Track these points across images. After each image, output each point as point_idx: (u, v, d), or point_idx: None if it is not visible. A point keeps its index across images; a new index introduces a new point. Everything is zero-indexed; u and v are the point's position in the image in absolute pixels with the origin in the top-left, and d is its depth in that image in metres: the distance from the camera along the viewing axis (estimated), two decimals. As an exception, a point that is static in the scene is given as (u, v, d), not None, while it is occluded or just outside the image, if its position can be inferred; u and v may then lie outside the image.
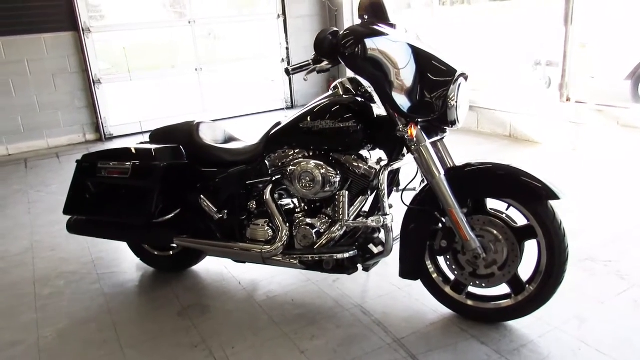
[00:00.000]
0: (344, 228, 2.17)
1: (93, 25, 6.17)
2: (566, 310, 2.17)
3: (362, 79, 2.11)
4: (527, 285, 2.01)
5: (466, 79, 1.98)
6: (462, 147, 4.77)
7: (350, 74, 2.13)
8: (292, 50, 7.42)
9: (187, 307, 2.47)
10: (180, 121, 2.66)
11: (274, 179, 2.35)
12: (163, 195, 2.44)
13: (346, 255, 2.15)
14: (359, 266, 2.24)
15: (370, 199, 2.23)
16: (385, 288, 2.47)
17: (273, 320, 2.30)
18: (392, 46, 1.95)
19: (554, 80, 5.05)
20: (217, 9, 7.51)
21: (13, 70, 5.81)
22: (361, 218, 2.16)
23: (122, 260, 3.01)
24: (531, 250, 1.99)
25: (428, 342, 2.05)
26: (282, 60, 7.43)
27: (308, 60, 2.10)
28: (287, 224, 2.29)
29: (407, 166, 2.15)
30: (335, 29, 2.03)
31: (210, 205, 2.48)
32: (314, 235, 2.22)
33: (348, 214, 2.15)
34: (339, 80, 2.26)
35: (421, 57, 1.97)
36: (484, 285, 2.06)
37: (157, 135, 2.65)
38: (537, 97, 4.94)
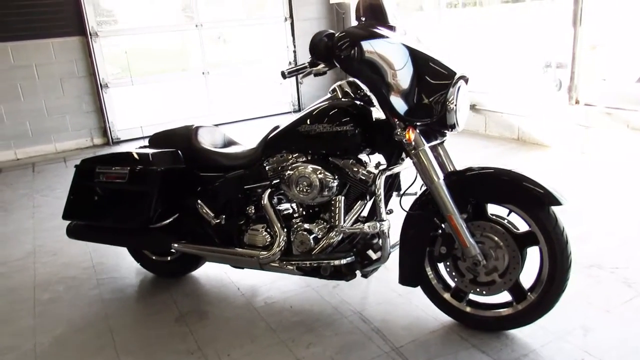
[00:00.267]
0: (341, 234, 2.13)
1: (100, 29, 6.20)
2: (570, 319, 2.11)
3: (360, 82, 2.08)
4: (528, 294, 1.96)
5: (466, 81, 1.93)
6: (468, 150, 4.72)
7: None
8: (300, 53, 7.39)
9: (185, 313, 2.44)
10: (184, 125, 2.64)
11: (272, 183, 2.32)
12: (161, 200, 2.42)
13: (343, 261, 2.11)
14: (358, 272, 2.20)
15: (369, 204, 2.19)
16: (385, 294, 2.42)
17: (270, 327, 2.27)
18: (390, 48, 1.91)
19: (565, 82, 4.96)
20: (225, 12, 7.51)
21: (21, 75, 5.84)
22: (359, 223, 2.12)
23: (122, 266, 3.00)
24: (533, 257, 1.94)
25: (427, 351, 2.01)
26: (289, 63, 7.41)
27: (304, 63, 2.06)
28: (285, 230, 2.26)
29: (409, 170, 2.11)
30: (332, 31, 1.98)
31: (208, 210, 2.46)
32: (312, 241, 2.18)
33: (345, 220, 2.12)
34: (338, 83, 2.22)
35: (420, 60, 1.93)
36: (484, 292, 2.01)
37: (156, 140, 2.64)
38: (545, 99, 4.86)
